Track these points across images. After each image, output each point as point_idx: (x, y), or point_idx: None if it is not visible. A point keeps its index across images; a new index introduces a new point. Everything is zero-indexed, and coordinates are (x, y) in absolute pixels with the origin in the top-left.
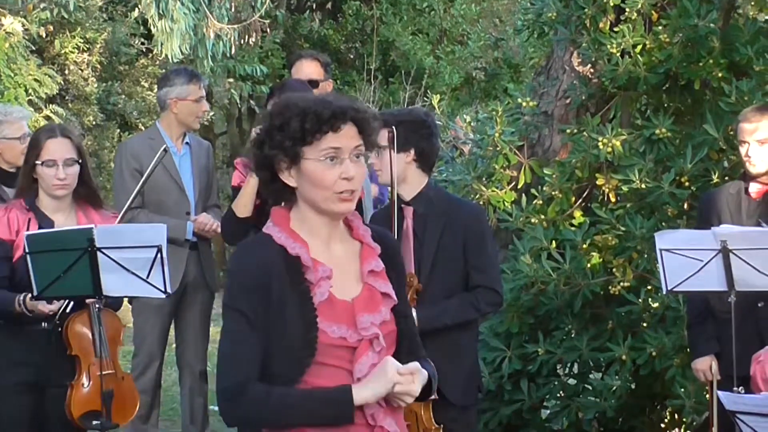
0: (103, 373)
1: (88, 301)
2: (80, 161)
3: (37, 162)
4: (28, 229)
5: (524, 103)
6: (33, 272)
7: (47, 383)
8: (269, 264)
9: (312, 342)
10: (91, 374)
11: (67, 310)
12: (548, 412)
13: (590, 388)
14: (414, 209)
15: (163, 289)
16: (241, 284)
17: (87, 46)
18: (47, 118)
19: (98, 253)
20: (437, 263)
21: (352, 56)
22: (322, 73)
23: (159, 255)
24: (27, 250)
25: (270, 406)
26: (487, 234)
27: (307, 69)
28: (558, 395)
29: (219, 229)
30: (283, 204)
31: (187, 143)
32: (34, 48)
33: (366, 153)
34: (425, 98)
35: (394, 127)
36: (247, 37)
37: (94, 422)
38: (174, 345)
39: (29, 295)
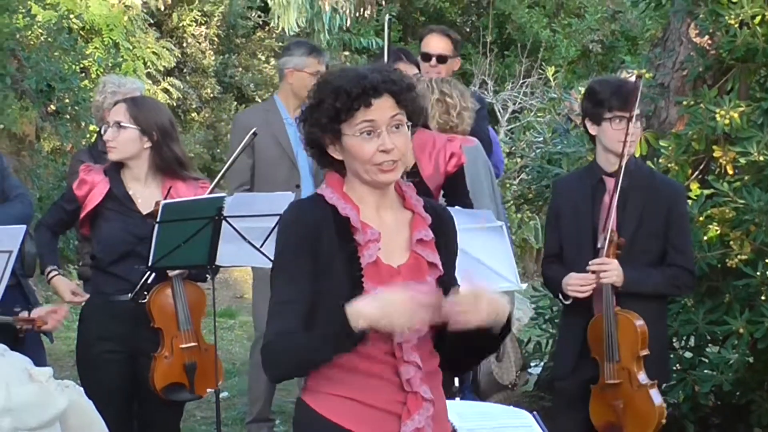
0: (186, 345)
1: (170, 273)
2: (148, 135)
3: None
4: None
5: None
6: (155, 242)
7: (136, 353)
8: (320, 221)
9: None
10: (173, 347)
11: (149, 281)
12: (664, 385)
13: (707, 361)
14: (616, 181)
15: (273, 259)
16: (291, 240)
17: (204, 19)
18: (165, 90)
19: (223, 222)
20: (637, 236)
21: (468, 29)
22: (452, 49)
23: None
24: (159, 219)
25: (283, 346)
26: (687, 215)
27: (436, 43)
28: (674, 368)
29: None
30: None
31: None
32: (152, 21)
33: (407, 122)
34: (541, 71)
35: None
36: (362, 9)
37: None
38: None
39: (54, 271)
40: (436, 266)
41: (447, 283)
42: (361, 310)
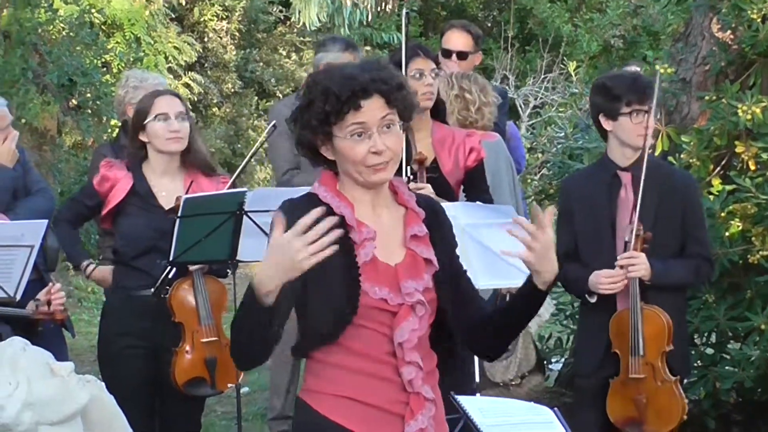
0: (207, 340)
1: (191, 268)
2: (191, 127)
3: (146, 122)
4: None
5: (662, 70)
6: (176, 237)
7: (157, 348)
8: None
9: (354, 300)
10: (194, 341)
11: (170, 276)
12: (685, 381)
13: (728, 357)
14: (632, 175)
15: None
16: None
17: (226, 13)
18: (186, 85)
19: (244, 217)
20: (656, 230)
21: (489, 24)
22: (472, 45)
23: None
24: (180, 214)
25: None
26: (702, 205)
27: (456, 40)
28: (695, 365)
29: None
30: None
31: None
32: (173, 16)
33: (401, 122)
34: (562, 66)
35: None
36: (384, 4)
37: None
38: None
39: (93, 265)
40: (431, 262)
41: (443, 277)
42: (257, 277)
